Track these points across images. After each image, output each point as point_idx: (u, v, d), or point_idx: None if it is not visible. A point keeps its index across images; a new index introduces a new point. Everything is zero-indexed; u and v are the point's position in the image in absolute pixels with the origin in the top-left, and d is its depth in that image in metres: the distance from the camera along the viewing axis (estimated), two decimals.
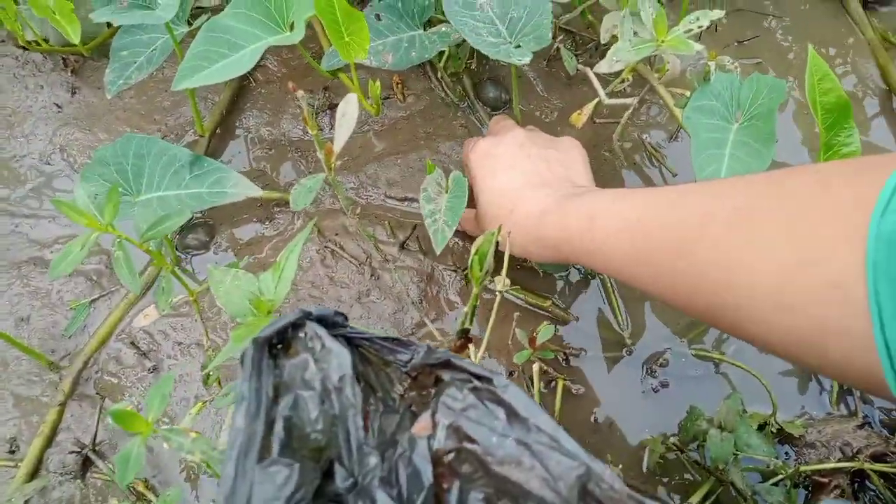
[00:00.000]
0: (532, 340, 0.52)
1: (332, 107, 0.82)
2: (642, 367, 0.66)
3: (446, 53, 0.76)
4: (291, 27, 0.59)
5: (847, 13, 0.85)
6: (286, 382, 0.37)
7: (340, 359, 0.37)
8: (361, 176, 0.78)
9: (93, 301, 0.72)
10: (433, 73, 0.83)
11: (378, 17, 0.64)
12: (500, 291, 0.50)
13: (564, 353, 0.65)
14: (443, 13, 0.70)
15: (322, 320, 0.40)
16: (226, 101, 0.81)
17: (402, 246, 0.74)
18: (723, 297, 0.38)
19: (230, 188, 0.60)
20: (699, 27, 0.56)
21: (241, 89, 0.83)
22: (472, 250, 0.41)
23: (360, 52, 0.57)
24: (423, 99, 0.82)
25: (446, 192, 0.64)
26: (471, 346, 0.46)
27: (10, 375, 0.68)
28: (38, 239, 0.76)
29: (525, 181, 0.56)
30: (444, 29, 0.63)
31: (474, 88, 0.81)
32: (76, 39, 0.63)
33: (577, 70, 0.76)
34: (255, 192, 0.61)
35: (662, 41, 0.56)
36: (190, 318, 0.71)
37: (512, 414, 0.37)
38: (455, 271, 0.73)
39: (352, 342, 0.41)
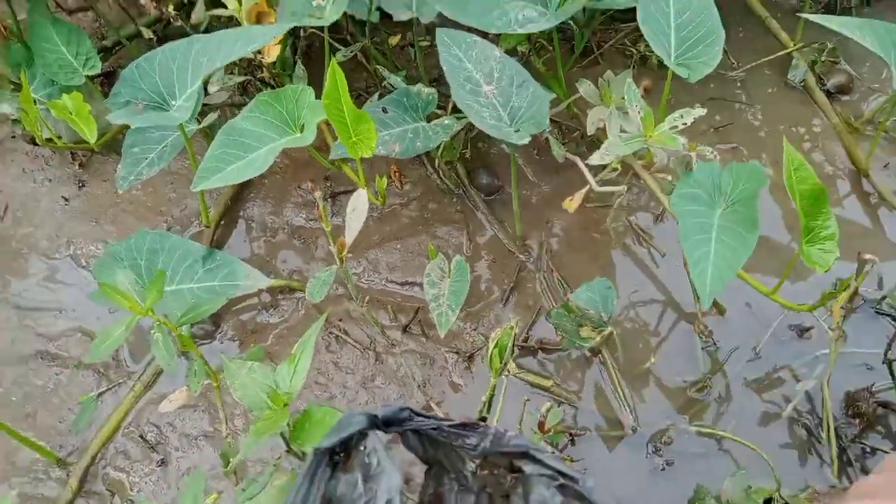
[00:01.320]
0: (541, 425, 0.53)
1: (334, 195, 0.86)
2: (647, 445, 0.68)
3: (442, 144, 0.80)
4: (302, 129, 0.63)
5: (812, 100, 0.91)
6: (338, 498, 0.38)
7: (390, 482, 0.38)
8: (363, 261, 0.81)
9: (100, 394, 0.72)
10: (429, 162, 0.87)
11: (385, 111, 0.68)
12: (508, 375, 0.52)
13: (570, 435, 0.66)
14: (440, 108, 0.75)
15: (389, 422, 0.42)
16: (231, 192, 0.84)
17: (405, 329, 0.76)
18: None
19: (242, 280, 0.62)
20: (683, 124, 0.60)
21: (245, 182, 0.86)
22: (491, 344, 0.43)
23: (366, 150, 0.61)
24: (419, 186, 0.86)
25: (448, 276, 0.67)
26: None
27: (17, 472, 0.67)
28: (44, 333, 0.76)
29: None
30: (446, 121, 0.67)
31: (468, 175, 0.85)
32: (93, 139, 0.66)
33: (565, 158, 0.80)
34: (266, 283, 0.64)
35: (650, 137, 0.60)
36: (196, 409, 0.71)
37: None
38: (457, 353, 0.75)
39: (420, 433, 0.43)
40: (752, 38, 0.97)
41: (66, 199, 0.86)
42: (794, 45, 0.93)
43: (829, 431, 0.67)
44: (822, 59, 0.92)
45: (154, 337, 0.52)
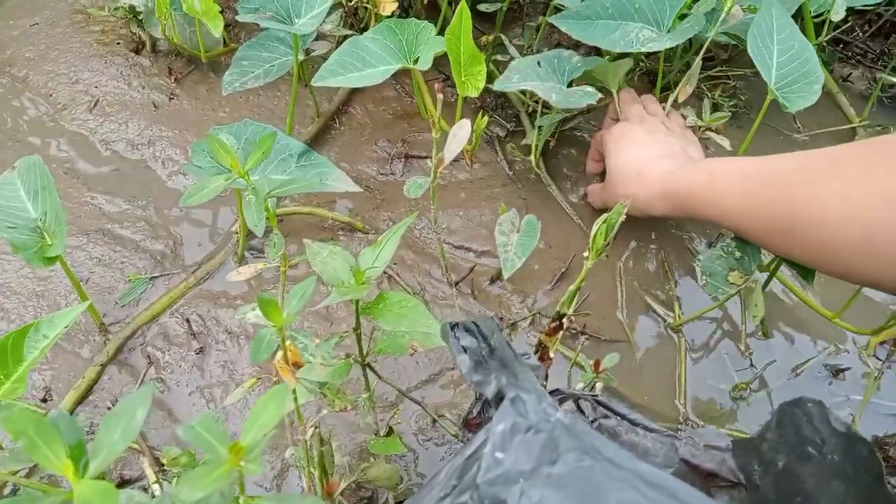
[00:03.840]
0: (597, 364, 0.54)
1: (407, 156, 0.89)
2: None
3: (536, 131, 0.84)
4: (416, 61, 0.67)
5: None
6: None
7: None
8: (424, 220, 0.83)
9: (153, 278, 0.74)
10: (501, 149, 0.91)
11: (539, 64, 0.72)
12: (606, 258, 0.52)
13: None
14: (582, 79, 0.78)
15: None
16: (312, 132, 0.88)
17: (456, 285, 0.77)
18: (807, 224, 0.52)
19: (331, 181, 0.64)
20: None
21: (326, 128, 0.90)
22: (599, 221, 0.45)
23: (472, 90, 0.65)
24: (488, 168, 0.90)
25: (518, 231, 0.69)
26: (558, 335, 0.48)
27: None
28: (109, 213, 0.78)
29: (652, 154, 0.71)
30: (588, 89, 0.70)
31: (546, 163, 0.88)
32: (217, 34, 0.70)
33: None
34: (354, 188, 0.66)
35: None
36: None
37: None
38: (501, 319, 0.76)
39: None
40: (821, 112, 1.02)
41: (156, 106, 0.89)
42: (860, 121, 0.98)
43: None
44: None
45: (247, 199, 0.54)
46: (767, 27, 0.73)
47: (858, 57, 1.10)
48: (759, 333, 0.77)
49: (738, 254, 0.63)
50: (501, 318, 0.76)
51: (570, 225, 0.84)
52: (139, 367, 0.67)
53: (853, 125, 0.99)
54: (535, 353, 0.49)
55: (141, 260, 0.74)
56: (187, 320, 0.70)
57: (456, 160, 0.90)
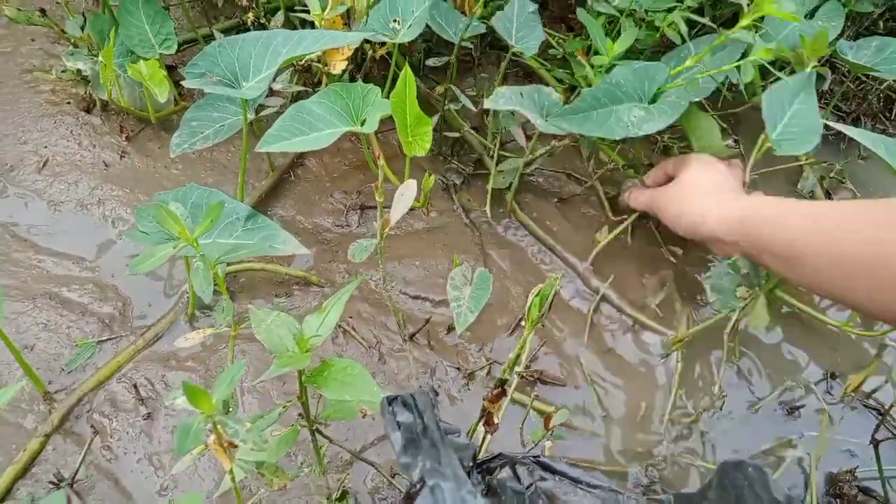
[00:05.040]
0: (548, 419, 0.54)
1: (363, 208, 0.89)
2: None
3: (493, 173, 0.84)
4: (363, 123, 0.67)
5: None
6: None
7: None
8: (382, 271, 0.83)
9: (100, 342, 0.72)
10: (457, 197, 0.92)
11: (521, 94, 0.74)
12: (518, 373, 0.54)
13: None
14: None
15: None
16: (267, 186, 0.88)
17: (412, 338, 0.77)
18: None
19: (279, 244, 0.64)
20: None
21: (281, 181, 0.90)
22: (533, 292, 0.45)
23: (419, 150, 0.65)
24: (445, 216, 0.90)
25: (470, 284, 0.69)
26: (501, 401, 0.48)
27: None
28: (56, 276, 0.77)
29: (734, 184, 0.74)
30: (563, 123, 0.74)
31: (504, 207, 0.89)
32: (163, 99, 0.70)
33: None
34: (302, 250, 0.66)
35: None
36: (195, 373, 0.71)
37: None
38: (458, 369, 0.76)
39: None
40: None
41: (107, 165, 0.88)
42: (807, 159, 1.01)
43: None
44: (831, 176, 1.00)
45: (195, 266, 0.54)
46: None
47: None
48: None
49: (744, 270, 0.66)
50: (459, 368, 0.76)
51: (529, 268, 0.84)
52: (85, 436, 0.65)
53: (800, 163, 1.01)
54: (480, 419, 0.49)
55: (88, 324, 0.73)
56: (135, 385, 0.68)
57: (412, 209, 0.91)
